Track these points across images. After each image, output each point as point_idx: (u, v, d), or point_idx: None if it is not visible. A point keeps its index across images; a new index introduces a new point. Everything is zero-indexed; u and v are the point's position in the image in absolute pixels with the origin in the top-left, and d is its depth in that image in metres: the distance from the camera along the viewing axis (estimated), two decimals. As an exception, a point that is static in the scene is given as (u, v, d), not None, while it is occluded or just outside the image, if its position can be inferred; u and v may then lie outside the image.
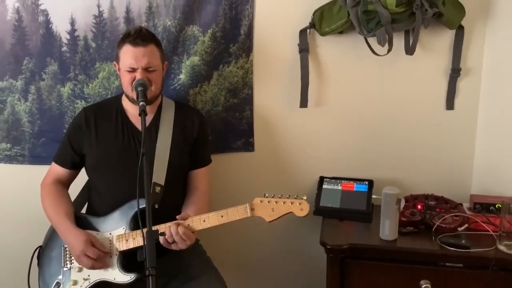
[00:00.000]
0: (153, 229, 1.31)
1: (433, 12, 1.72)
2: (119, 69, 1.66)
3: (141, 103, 1.46)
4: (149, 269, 1.20)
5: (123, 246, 1.56)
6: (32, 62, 1.91)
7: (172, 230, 1.49)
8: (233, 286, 1.71)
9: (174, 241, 1.49)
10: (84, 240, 1.53)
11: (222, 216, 1.54)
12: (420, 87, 1.96)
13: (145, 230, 1.27)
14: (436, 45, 1.91)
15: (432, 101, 1.97)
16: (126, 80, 1.61)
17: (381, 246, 1.65)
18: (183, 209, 1.66)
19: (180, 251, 1.64)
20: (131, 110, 1.70)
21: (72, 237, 1.57)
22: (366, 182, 1.96)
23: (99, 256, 1.53)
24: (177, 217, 1.54)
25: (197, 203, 1.67)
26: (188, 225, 1.53)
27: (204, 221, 1.53)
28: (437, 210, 1.77)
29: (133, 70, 1.59)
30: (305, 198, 1.53)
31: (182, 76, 1.93)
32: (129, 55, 1.58)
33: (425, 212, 1.76)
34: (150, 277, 1.18)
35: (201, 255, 1.77)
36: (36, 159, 1.98)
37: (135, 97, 1.59)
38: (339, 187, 1.97)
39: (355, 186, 1.96)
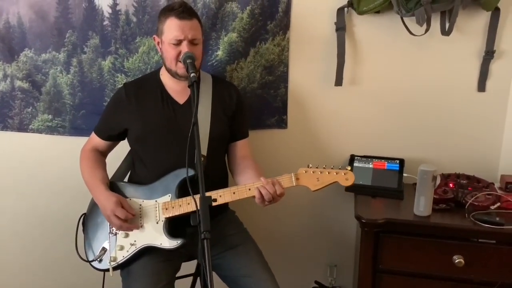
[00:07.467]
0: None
1: (473, -8, 1.74)
2: (159, 43, 1.67)
3: (192, 75, 1.47)
4: (204, 233, 1.23)
5: (169, 213, 1.61)
6: (75, 35, 1.93)
7: (270, 189, 1.53)
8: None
9: (270, 200, 1.54)
10: (114, 201, 1.59)
11: None
12: (453, 69, 1.97)
13: (196, 196, 1.31)
14: (471, 26, 1.91)
15: (464, 82, 1.98)
16: (170, 54, 1.61)
17: (417, 221, 1.69)
18: (239, 178, 1.71)
19: (219, 220, 1.70)
20: (170, 84, 1.73)
21: (103, 198, 1.63)
22: (397, 161, 2.00)
23: (127, 217, 1.59)
24: (261, 178, 1.56)
25: (253, 168, 1.71)
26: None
27: (249, 189, 1.56)
28: (469, 188, 1.80)
29: (178, 43, 1.59)
30: (349, 168, 1.58)
31: (219, 52, 1.95)
32: (175, 28, 1.58)
33: (458, 190, 1.79)
34: (205, 240, 1.22)
35: (239, 226, 1.82)
36: (76, 130, 2.03)
37: (178, 71, 1.62)
38: (370, 165, 2.00)
39: (386, 165, 2.00)
